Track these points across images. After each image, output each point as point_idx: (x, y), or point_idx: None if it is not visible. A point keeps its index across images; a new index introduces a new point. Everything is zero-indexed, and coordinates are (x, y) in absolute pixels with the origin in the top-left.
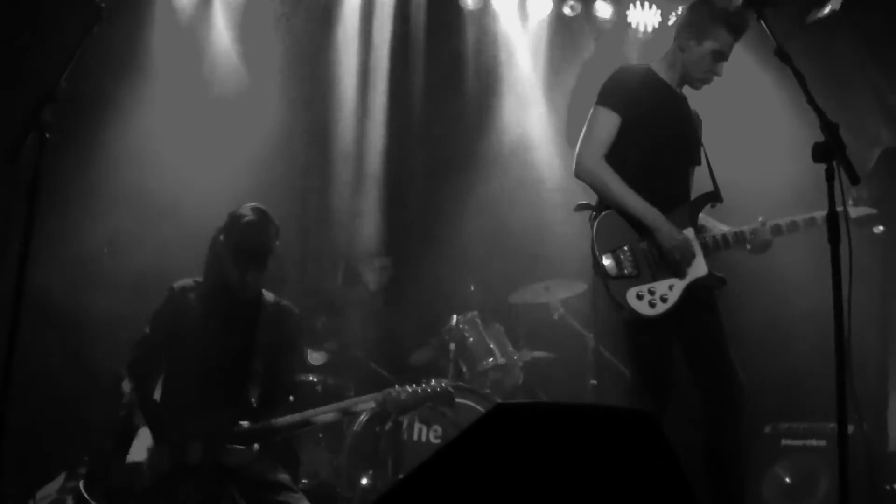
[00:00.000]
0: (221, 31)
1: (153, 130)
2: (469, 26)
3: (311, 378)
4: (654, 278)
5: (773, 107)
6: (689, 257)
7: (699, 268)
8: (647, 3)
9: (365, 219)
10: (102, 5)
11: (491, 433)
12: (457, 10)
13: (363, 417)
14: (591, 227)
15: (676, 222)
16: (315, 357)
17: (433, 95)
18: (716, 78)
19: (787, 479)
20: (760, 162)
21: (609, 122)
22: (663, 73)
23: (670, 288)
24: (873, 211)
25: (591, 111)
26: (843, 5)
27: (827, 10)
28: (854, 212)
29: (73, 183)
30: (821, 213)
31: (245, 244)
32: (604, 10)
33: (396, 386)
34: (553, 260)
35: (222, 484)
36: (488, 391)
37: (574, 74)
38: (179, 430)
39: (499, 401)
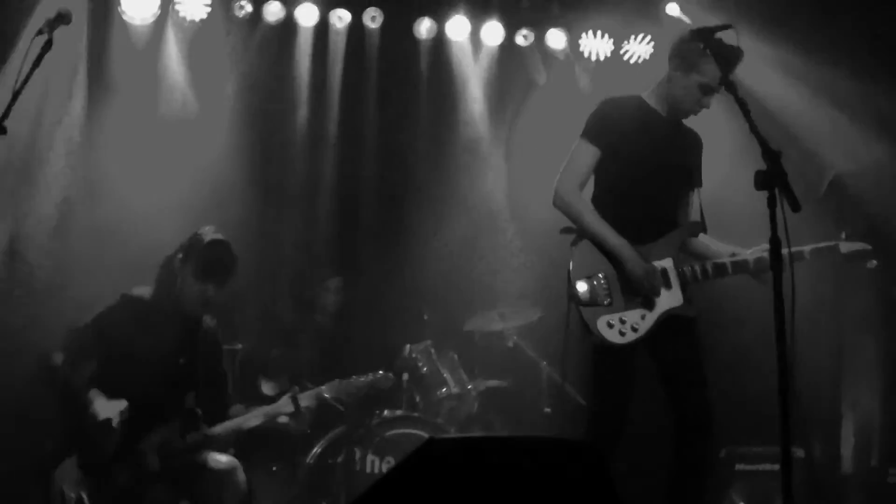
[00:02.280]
0: (173, 56)
1: (101, 152)
2: (423, 55)
3: None
4: (627, 307)
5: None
6: (657, 288)
7: (673, 298)
8: (599, 32)
9: (316, 247)
10: (48, 36)
11: (422, 469)
12: (410, 40)
13: (317, 450)
14: (571, 252)
15: (659, 252)
16: (268, 387)
17: (386, 123)
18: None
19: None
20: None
21: (587, 155)
22: (653, 101)
23: (642, 318)
24: (867, 247)
25: (575, 142)
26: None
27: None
28: (845, 247)
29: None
30: (807, 248)
31: (212, 260)
32: (556, 40)
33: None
34: (507, 288)
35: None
36: (441, 421)
37: (526, 103)
38: (131, 445)
39: (452, 431)
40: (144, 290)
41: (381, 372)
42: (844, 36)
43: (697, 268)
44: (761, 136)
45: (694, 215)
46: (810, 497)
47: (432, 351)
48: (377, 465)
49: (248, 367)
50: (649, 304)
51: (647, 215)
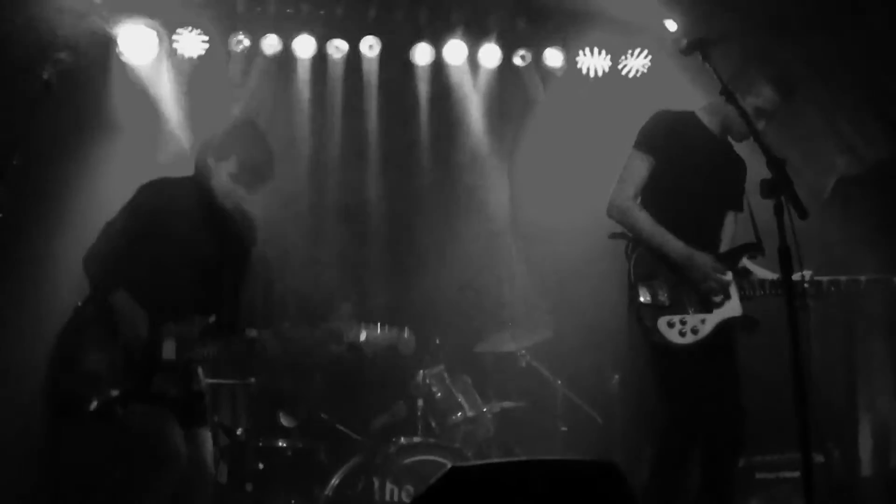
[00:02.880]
0: (173, 93)
1: (112, 189)
2: (422, 81)
3: (281, 443)
4: (688, 311)
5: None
6: (724, 293)
7: (734, 308)
8: (596, 49)
9: (324, 276)
10: (46, 78)
11: (447, 497)
12: (409, 66)
13: (335, 481)
14: (629, 257)
15: (721, 265)
16: (286, 419)
17: (389, 151)
18: None
19: None
20: None
21: (642, 165)
22: (706, 119)
23: (702, 322)
24: None
25: (630, 153)
26: (791, 32)
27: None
28: None
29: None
30: (864, 277)
31: (257, 159)
32: (553, 58)
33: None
34: (518, 308)
35: (194, 380)
36: (458, 446)
37: (527, 122)
38: (155, 328)
39: (469, 454)
40: (167, 178)
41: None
42: (843, 38)
43: (757, 283)
44: (764, 144)
45: (730, 238)
46: (831, 501)
47: (446, 375)
48: (396, 493)
49: (264, 399)
50: (709, 310)
51: (691, 229)
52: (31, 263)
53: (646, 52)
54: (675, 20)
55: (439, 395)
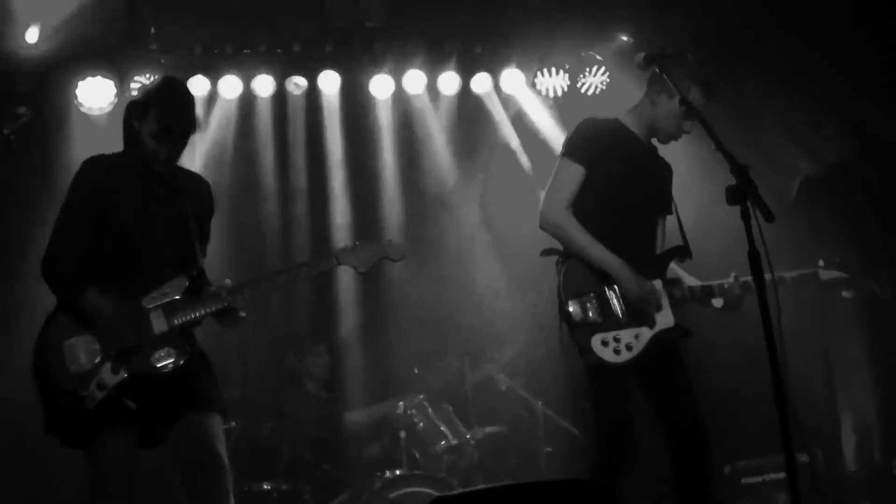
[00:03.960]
0: None
1: None
2: (382, 112)
3: (265, 486)
4: (620, 326)
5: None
6: (656, 307)
7: (666, 319)
8: (553, 69)
9: (297, 316)
10: (10, 136)
11: None
12: (369, 98)
13: None
14: (559, 272)
15: (648, 273)
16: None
17: (354, 182)
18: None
19: None
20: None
21: (572, 174)
22: (631, 124)
23: (636, 337)
24: (844, 275)
25: (557, 163)
26: (747, 40)
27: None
28: (824, 275)
29: None
30: (789, 274)
31: (173, 118)
32: (512, 81)
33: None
34: (489, 328)
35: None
36: (444, 475)
37: (491, 146)
38: (134, 305)
39: (455, 483)
40: (98, 155)
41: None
42: (800, 41)
43: (686, 290)
44: (727, 151)
45: (661, 242)
46: (818, 499)
47: (426, 405)
48: None
49: (245, 443)
50: (642, 324)
51: (627, 237)
52: None
53: (603, 68)
54: (628, 36)
55: (421, 425)
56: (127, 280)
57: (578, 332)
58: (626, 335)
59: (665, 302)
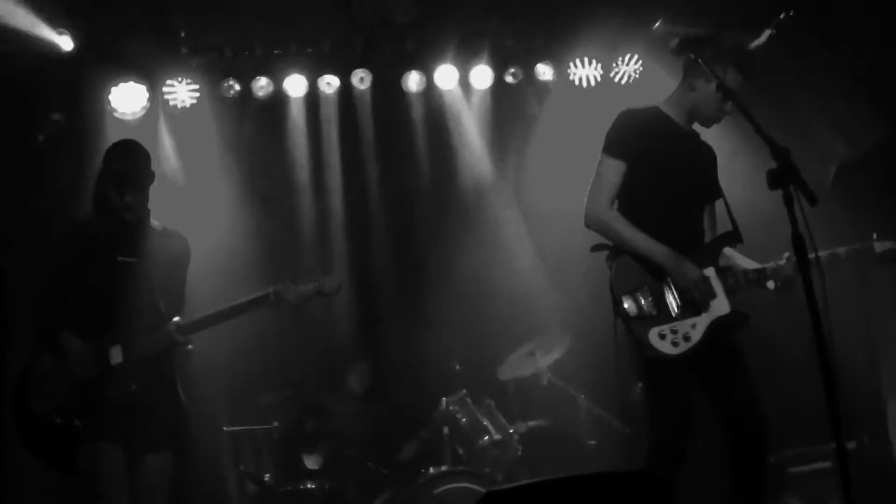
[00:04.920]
0: (168, 144)
1: None
2: (415, 108)
3: (309, 485)
4: (676, 318)
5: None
6: (709, 295)
7: (721, 306)
8: (586, 59)
9: (337, 314)
10: (41, 139)
11: None
12: (401, 95)
13: None
14: (610, 268)
15: (700, 261)
16: (311, 461)
17: (389, 180)
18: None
19: None
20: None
21: (614, 170)
22: (670, 111)
23: (693, 327)
24: None
25: (598, 159)
26: (783, 23)
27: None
28: (879, 246)
29: None
30: (843, 249)
31: (120, 165)
32: (545, 73)
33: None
34: (533, 323)
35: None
36: (488, 470)
37: (526, 138)
38: (99, 343)
39: (500, 478)
40: (71, 220)
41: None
42: (834, 21)
43: (740, 275)
44: (767, 135)
45: (710, 228)
46: (866, 487)
47: (468, 400)
48: None
49: (288, 443)
50: (698, 313)
51: (674, 226)
52: None
53: (636, 56)
54: (662, 22)
55: (464, 420)
56: (97, 323)
57: (635, 327)
58: (682, 326)
59: (719, 289)
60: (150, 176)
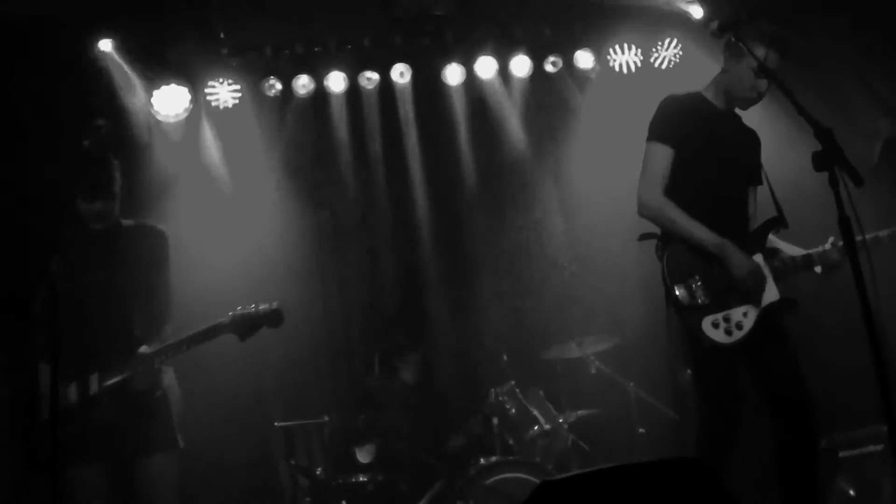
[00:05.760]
0: (212, 144)
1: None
2: (456, 100)
3: (361, 478)
4: (728, 306)
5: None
6: (762, 283)
7: (771, 293)
8: (626, 45)
9: (386, 305)
10: (87, 145)
11: None
12: (442, 87)
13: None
14: (661, 258)
15: (745, 249)
16: (362, 454)
17: (432, 171)
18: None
19: (851, 492)
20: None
21: (662, 156)
22: (711, 96)
23: (745, 315)
24: None
25: (645, 147)
26: (821, 6)
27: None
28: None
29: None
30: (885, 232)
31: (91, 173)
32: (584, 60)
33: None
34: (579, 315)
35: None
36: (538, 460)
37: (567, 126)
38: (79, 368)
39: (550, 468)
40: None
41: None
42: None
43: (788, 260)
44: (810, 116)
45: (753, 214)
46: None
47: (517, 391)
48: None
49: (339, 437)
50: (749, 301)
51: (722, 213)
52: None
53: (675, 40)
54: (700, 5)
55: (513, 411)
56: (77, 351)
57: (688, 316)
58: (735, 314)
59: (769, 275)
60: (119, 181)
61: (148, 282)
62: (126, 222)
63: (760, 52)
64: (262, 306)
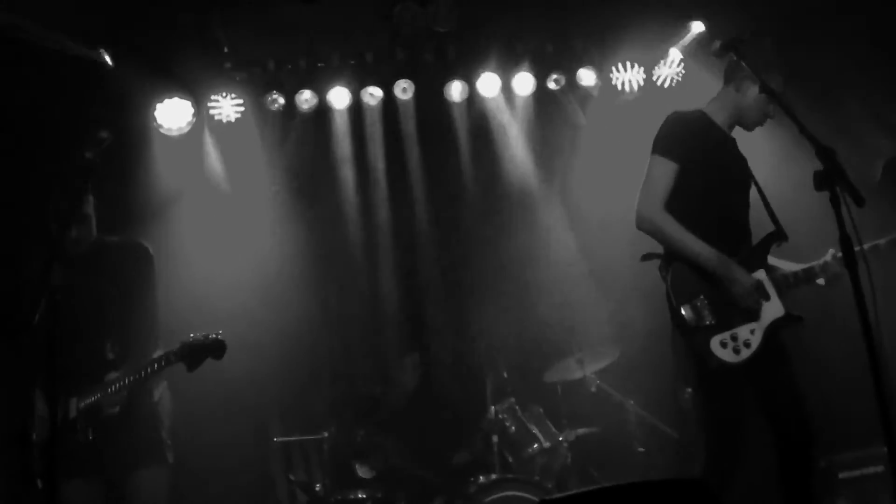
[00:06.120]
0: (214, 158)
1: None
2: (459, 117)
3: (360, 494)
4: (734, 324)
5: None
6: (763, 300)
7: (776, 308)
8: (629, 63)
9: (385, 323)
10: (90, 157)
11: None
12: (444, 104)
13: None
14: (664, 278)
15: (747, 265)
16: (363, 470)
17: (434, 188)
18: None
19: None
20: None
21: (666, 171)
22: (715, 115)
23: (751, 332)
24: None
25: (649, 161)
26: (823, 19)
27: None
28: None
29: None
30: (883, 240)
31: (61, 202)
32: (587, 78)
33: (191, 335)
34: (580, 332)
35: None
36: (538, 478)
37: (570, 144)
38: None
39: (550, 486)
40: None
41: (216, 334)
42: (878, 17)
43: (790, 275)
44: (812, 135)
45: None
46: None
47: (517, 408)
48: None
49: (338, 452)
50: (755, 317)
51: (725, 230)
52: None
53: (678, 58)
54: (701, 23)
55: (513, 428)
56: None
57: (695, 337)
58: (742, 332)
59: (772, 291)
60: (90, 200)
61: (129, 300)
62: (109, 239)
63: (764, 72)
64: (212, 335)
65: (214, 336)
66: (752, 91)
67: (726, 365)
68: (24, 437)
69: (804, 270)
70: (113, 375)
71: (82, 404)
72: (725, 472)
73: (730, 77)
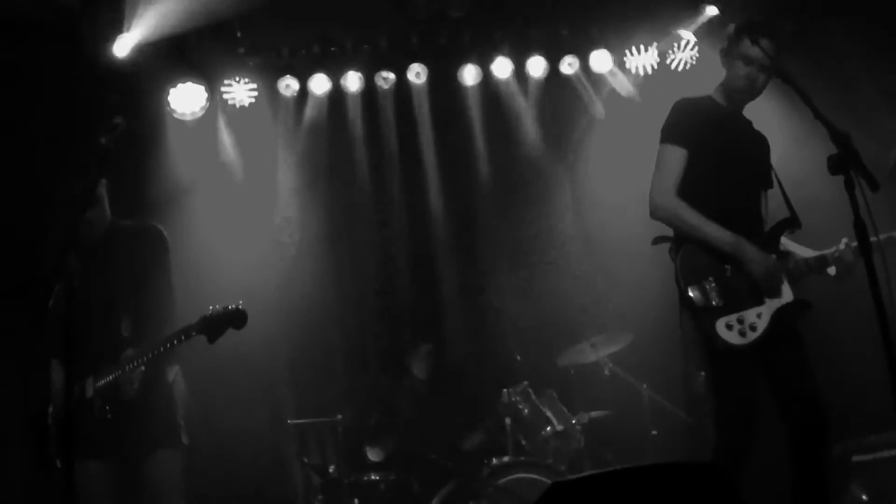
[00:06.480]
0: (228, 143)
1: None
2: (472, 101)
3: (373, 477)
4: (742, 307)
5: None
6: (780, 282)
7: (785, 294)
8: (642, 47)
9: (398, 307)
10: (104, 143)
11: None
12: (458, 88)
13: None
14: (674, 259)
15: (765, 248)
16: (374, 453)
17: (447, 171)
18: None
19: (864, 497)
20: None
21: (676, 158)
22: (721, 99)
23: (758, 316)
24: None
25: (658, 148)
26: (839, 8)
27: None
28: None
29: None
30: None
31: (76, 183)
32: (601, 62)
33: (210, 307)
34: (593, 316)
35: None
36: (551, 461)
37: (583, 127)
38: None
39: (563, 469)
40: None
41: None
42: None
43: (801, 262)
44: (827, 120)
45: (765, 217)
46: None
47: (530, 391)
48: None
49: (352, 435)
50: (762, 302)
51: (736, 214)
52: None
53: (692, 42)
54: (716, 6)
55: (526, 411)
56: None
57: (702, 317)
58: (748, 315)
59: (783, 277)
60: (103, 182)
61: (143, 282)
62: (123, 223)
63: (751, 41)
64: (231, 306)
65: (235, 307)
66: (732, 64)
67: (732, 347)
68: (41, 418)
69: (816, 259)
70: (129, 353)
71: (99, 384)
72: (737, 456)
73: (724, 58)
